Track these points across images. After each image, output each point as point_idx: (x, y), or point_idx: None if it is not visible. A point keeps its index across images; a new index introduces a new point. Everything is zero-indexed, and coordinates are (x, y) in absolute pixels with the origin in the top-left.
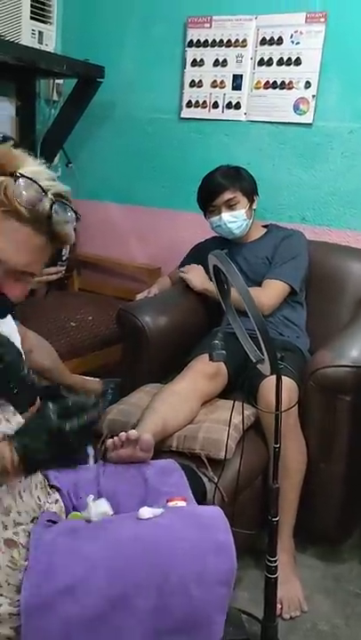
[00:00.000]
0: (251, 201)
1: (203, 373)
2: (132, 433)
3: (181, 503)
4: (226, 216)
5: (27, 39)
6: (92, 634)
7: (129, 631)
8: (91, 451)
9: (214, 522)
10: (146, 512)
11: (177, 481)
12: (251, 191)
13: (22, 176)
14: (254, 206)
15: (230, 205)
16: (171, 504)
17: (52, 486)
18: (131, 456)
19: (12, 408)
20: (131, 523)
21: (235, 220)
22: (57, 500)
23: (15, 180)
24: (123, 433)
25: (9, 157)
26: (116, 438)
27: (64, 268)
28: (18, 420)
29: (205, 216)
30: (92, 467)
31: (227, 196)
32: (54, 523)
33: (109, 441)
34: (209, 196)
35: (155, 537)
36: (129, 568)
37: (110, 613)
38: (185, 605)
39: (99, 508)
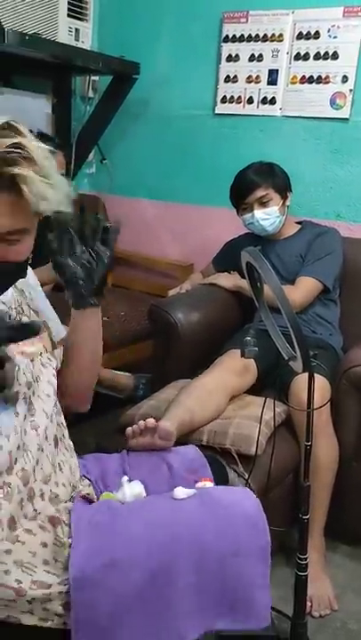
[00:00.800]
0: (284, 197)
1: (231, 369)
2: (150, 421)
3: (209, 484)
4: (258, 213)
5: (63, 37)
6: (138, 607)
7: (175, 606)
8: None
9: (245, 500)
10: (180, 492)
11: (199, 466)
12: (284, 188)
13: None
14: (288, 203)
15: (263, 202)
16: (199, 484)
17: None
18: (151, 444)
19: None
20: (166, 502)
21: (267, 217)
22: (89, 484)
23: None
24: (142, 421)
25: None
26: (135, 426)
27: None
28: None
29: (238, 213)
30: (115, 456)
31: (259, 193)
32: (90, 502)
33: (128, 429)
34: (241, 194)
35: (190, 516)
36: (167, 545)
37: (154, 587)
38: (223, 582)
39: (133, 489)
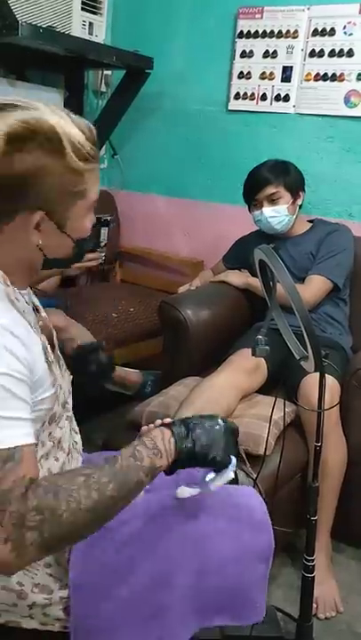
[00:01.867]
0: (295, 196)
1: (242, 368)
2: (167, 420)
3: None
4: (267, 210)
5: (77, 30)
6: (136, 610)
7: (171, 609)
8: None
9: (250, 501)
10: (184, 492)
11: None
12: (296, 186)
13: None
14: (299, 202)
15: (272, 200)
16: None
17: None
18: None
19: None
20: (169, 502)
21: (276, 214)
22: None
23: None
24: (158, 420)
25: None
26: (151, 425)
27: (103, 254)
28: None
29: (249, 210)
30: None
31: (269, 190)
32: None
33: (144, 427)
34: (252, 190)
35: (192, 516)
36: (169, 547)
37: (152, 590)
38: (223, 583)
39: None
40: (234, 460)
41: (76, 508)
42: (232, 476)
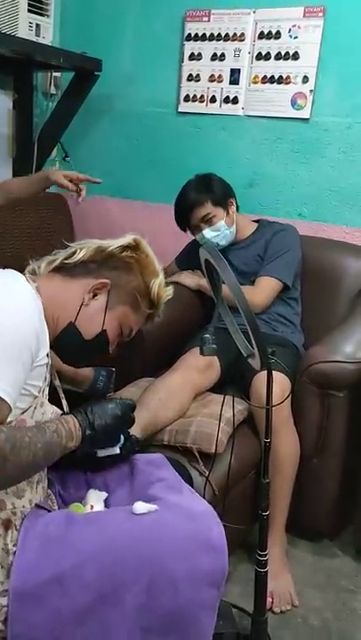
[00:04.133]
0: (227, 208)
1: (194, 367)
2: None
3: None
4: (207, 232)
5: (24, 32)
6: (78, 627)
7: (116, 627)
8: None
9: (208, 522)
10: (140, 507)
11: (166, 473)
12: (223, 199)
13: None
14: (233, 209)
15: (207, 220)
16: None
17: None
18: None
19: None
20: (124, 518)
21: (217, 233)
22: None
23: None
24: None
25: (152, 265)
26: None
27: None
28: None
29: (192, 234)
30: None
31: (200, 212)
32: (48, 511)
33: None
34: (184, 215)
35: (148, 534)
36: (120, 564)
37: (99, 608)
38: (173, 604)
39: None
40: (122, 438)
41: (18, 463)
42: (117, 451)
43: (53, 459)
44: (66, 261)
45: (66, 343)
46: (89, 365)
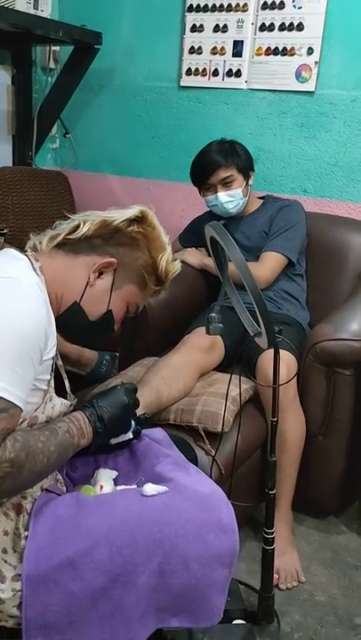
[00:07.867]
0: (247, 178)
1: (198, 346)
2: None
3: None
4: (222, 196)
5: (22, 5)
6: (92, 609)
7: (129, 608)
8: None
9: (218, 503)
10: (150, 489)
11: (168, 449)
12: (247, 168)
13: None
14: (250, 182)
15: (226, 184)
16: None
17: None
18: None
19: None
20: (135, 499)
21: (231, 199)
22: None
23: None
24: None
25: (159, 239)
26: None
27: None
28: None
29: (200, 193)
30: None
31: (222, 174)
32: (58, 495)
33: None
34: (203, 173)
35: (158, 516)
36: (132, 546)
37: (111, 589)
38: (185, 584)
39: (108, 481)
40: (133, 423)
41: (33, 469)
42: (130, 436)
43: (66, 459)
44: (69, 237)
45: (70, 323)
46: (93, 347)
